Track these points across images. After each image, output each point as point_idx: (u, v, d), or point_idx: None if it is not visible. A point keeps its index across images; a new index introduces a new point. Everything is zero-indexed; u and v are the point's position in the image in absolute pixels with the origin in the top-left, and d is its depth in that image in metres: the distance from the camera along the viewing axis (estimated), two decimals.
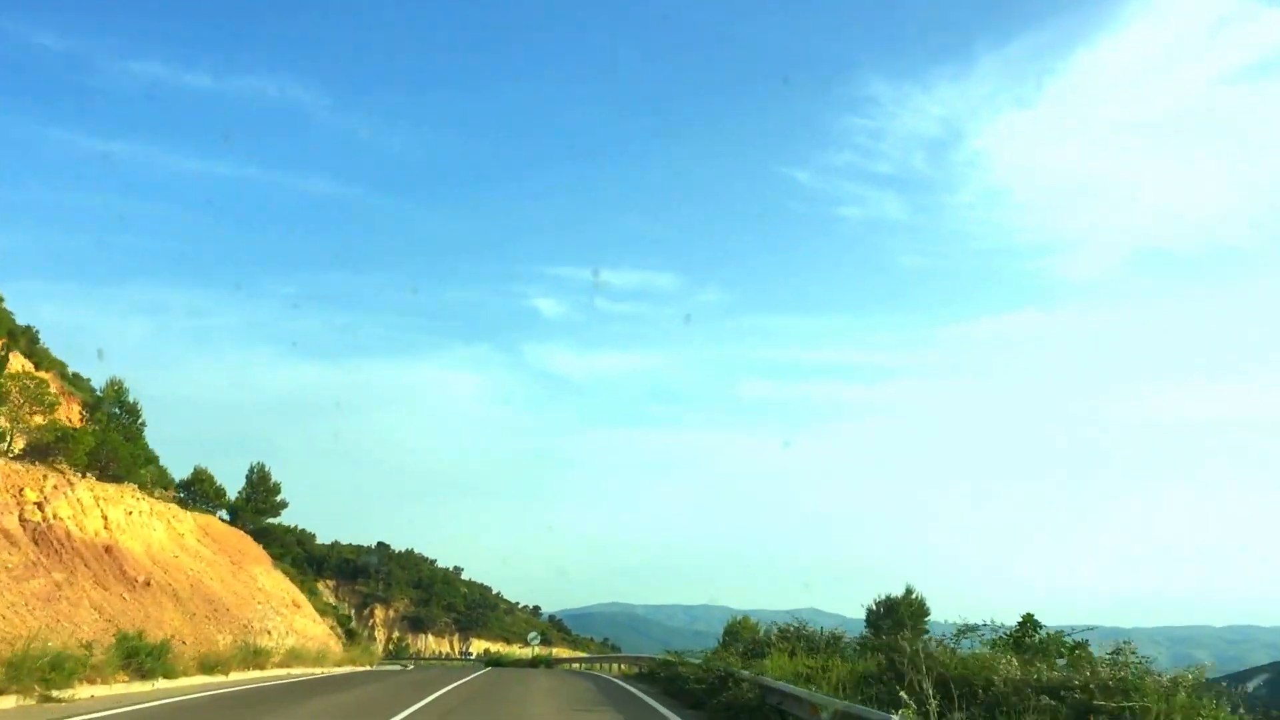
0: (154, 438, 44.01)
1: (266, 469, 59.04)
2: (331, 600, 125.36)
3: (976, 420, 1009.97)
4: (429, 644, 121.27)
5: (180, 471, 50.90)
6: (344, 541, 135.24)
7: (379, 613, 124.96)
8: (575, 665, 41.00)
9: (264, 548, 51.10)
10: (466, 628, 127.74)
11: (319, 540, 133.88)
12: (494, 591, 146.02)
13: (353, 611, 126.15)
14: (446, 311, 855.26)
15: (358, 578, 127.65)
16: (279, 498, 60.16)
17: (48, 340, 45.51)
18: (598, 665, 36.77)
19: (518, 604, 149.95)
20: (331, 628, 53.88)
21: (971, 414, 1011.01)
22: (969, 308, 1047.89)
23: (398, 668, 47.84)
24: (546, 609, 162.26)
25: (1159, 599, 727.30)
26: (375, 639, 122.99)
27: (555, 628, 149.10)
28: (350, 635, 59.54)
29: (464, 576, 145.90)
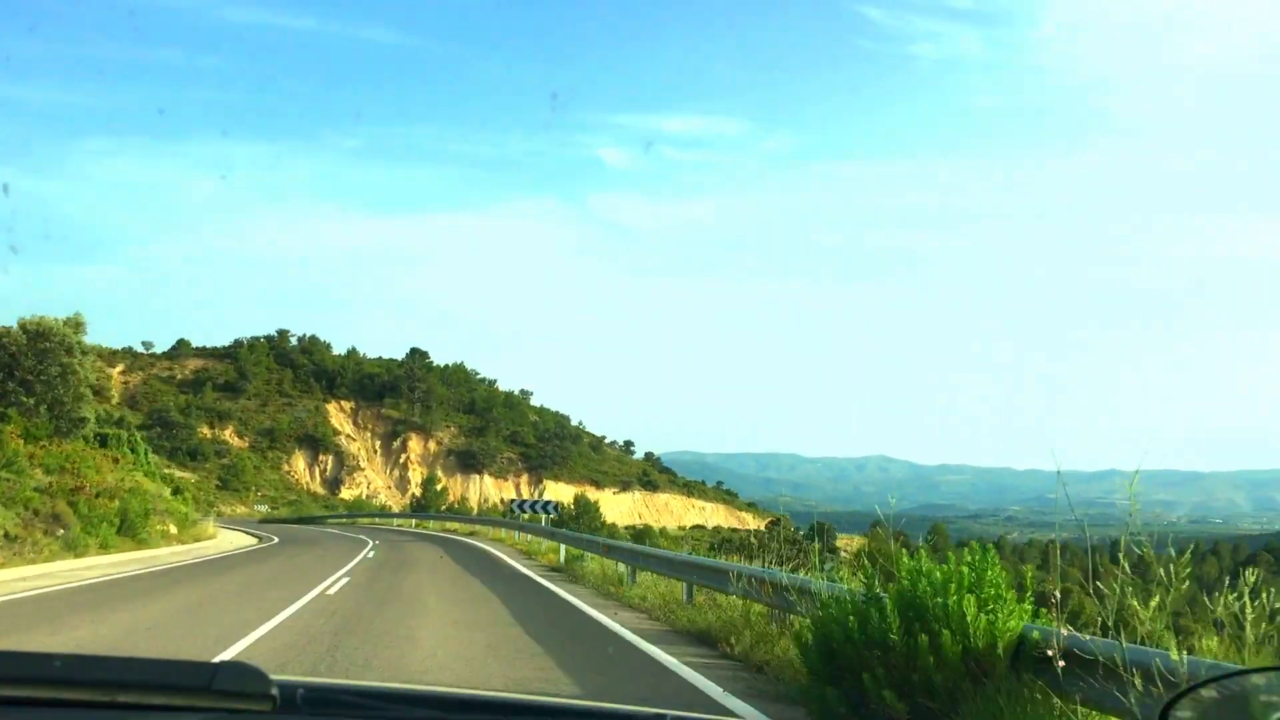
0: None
1: None
2: (349, 429, 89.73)
3: (1055, 263, 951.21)
4: (484, 489, 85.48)
5: None
6: (366, 354, 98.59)
7: (414, 445, 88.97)
8: None
9: None
10: (537, 467, 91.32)
11: (334, 351, 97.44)
12: (574, 423, 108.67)
13: (378, 444, 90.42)
14: (509, 163, 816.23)
15: (384, 398, 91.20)
16: None
17: None
18: None
19: (604, 438, 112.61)
20: None
21: (1051, 257, 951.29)
22: (1047, 147, 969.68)
23: None
24: (640, 447, 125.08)
25: (1238, 442, 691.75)
26: (408, 481, 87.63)
27: (655, 467, 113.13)
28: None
29: (534, 403, 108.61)
